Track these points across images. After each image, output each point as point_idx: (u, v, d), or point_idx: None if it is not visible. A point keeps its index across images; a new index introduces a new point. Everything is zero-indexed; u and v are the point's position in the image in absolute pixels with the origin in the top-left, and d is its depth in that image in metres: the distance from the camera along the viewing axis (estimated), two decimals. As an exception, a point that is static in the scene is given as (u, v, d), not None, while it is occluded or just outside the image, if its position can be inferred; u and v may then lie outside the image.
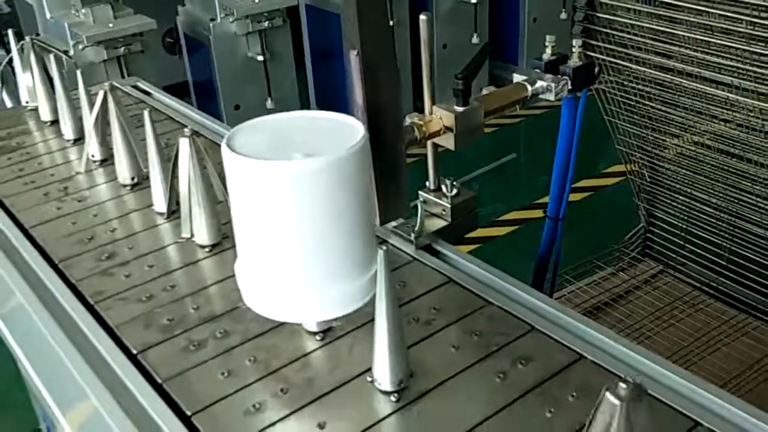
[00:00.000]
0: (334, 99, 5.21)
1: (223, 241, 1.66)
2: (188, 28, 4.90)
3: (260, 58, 4.65)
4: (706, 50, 2.16)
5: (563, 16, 5.92)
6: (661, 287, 2.77)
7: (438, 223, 1.68)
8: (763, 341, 2.49)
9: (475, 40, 5.52)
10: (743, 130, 2.24)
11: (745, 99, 2.11)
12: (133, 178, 1.91)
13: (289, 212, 1.17)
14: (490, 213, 4.51)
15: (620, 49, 2.35)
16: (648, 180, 2.71)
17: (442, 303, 1.43)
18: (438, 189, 1.71)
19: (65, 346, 1.38)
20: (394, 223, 1.65)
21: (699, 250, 2.68)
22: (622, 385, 0.87)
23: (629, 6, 2.27)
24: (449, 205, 1.68)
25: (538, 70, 1.77)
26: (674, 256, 2.78)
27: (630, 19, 2.28)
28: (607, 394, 0.88)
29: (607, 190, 4.70)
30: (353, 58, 1.34)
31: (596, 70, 1.85)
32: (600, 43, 2.36)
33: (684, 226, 2.68)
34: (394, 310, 1.15)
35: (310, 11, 5.15)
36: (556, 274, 2.28)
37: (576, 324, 1.36)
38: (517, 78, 1.78)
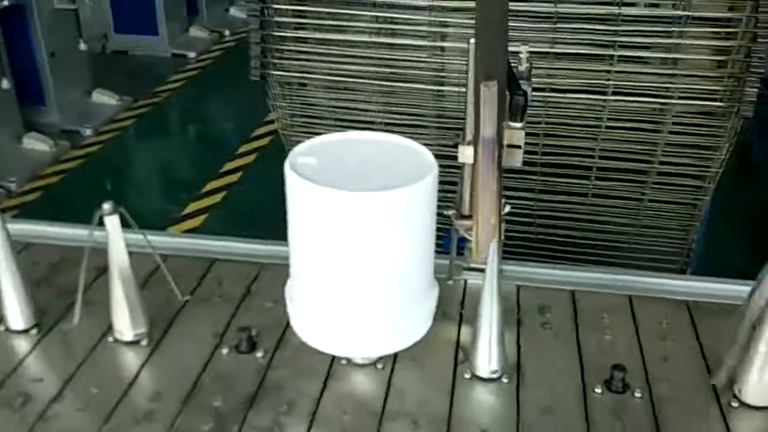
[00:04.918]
0: None
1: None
2: None
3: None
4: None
5: (83, 47, 6.00)
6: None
7: None
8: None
9: (5, 85, 5.22)
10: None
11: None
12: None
13: (370, 243, 1.26)
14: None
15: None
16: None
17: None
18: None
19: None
20: None
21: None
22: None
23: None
24: None
25: None
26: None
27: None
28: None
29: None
30: (489, 90, 1.43)
31: None
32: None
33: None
34: (500, 303, 1.37)
35: None
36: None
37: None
38: None
